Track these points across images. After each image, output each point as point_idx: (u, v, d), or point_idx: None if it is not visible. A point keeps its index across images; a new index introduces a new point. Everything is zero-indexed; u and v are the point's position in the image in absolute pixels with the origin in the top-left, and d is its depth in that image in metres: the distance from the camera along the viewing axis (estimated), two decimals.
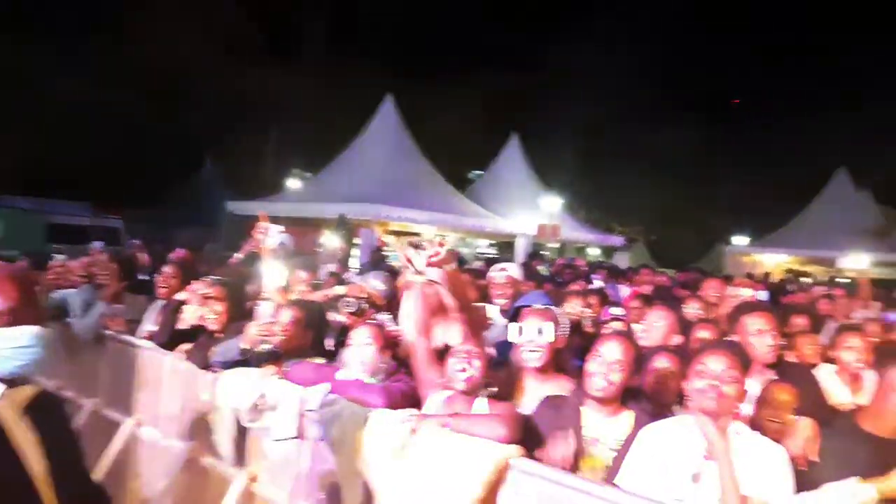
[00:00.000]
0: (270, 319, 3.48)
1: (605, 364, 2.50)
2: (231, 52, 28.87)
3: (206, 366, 3.58)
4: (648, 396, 2.74)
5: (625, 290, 8.35)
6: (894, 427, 2.33)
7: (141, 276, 5.63)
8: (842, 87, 38.15)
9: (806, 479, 2.27)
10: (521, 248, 19.95)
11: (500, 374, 2.93)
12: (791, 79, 39.99)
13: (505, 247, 23.03)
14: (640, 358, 2.68)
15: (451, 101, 31.50)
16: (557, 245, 23.16)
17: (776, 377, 3.00)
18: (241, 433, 3.38)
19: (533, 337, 2.79)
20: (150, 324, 4.58)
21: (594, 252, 26.95)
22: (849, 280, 16.95)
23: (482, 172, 27.38)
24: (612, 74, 34.42)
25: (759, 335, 3.09)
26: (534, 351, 2.78)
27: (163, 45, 25.45)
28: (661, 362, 2.92)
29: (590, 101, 34.30)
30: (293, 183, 23.57)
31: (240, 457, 3.42)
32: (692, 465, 2.21)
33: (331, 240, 10.40)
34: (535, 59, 38.79)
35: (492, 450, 2.38)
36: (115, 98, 24.58)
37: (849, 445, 2.35)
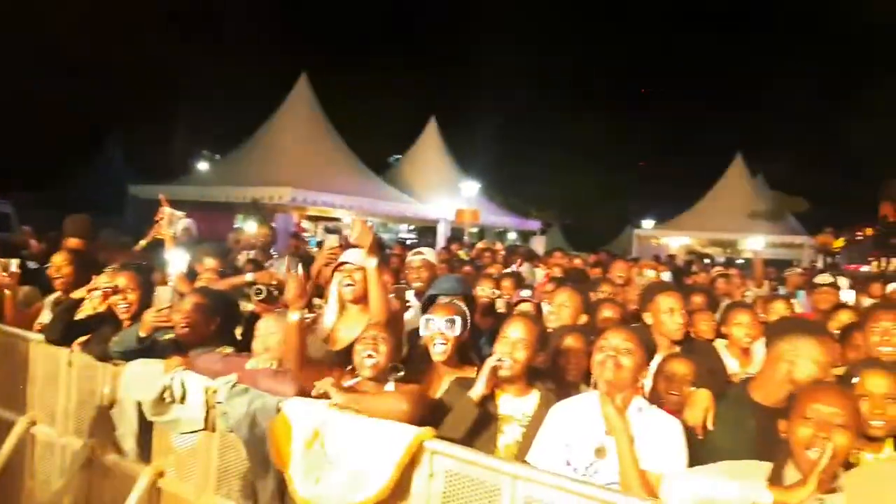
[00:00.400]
0: (167, 305, 3.34)
1: (510, 343, 2.58)
2: (137, 27, 27.20)
3: (105, 358, 3.40)
4: (555, 375, 2.83)
5: (540, 273, 8.60)
6: (778, 398, 2.50)
7: (31, 265, 5.23)
8: (739, 82, 40.69)
9: (703, 446, 2.41)
10: (441, 233, 20.01)
11: (415, 358, 2.94)
12: (695, 71, 42.12)
13: (426, 231, 23.02)
14: (543, 336, 2.76)
15: (368, 82, 31.04)
16: (477, 230, 23.43)
17: (679, 352, 3.18)
18: (146, 427, 3.24)
19: (442, 328, 2.81)
20: (46, 316, 4.28)
21: (513, 236, 27.48)
22: (744, 260, 18.20)
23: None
24: (527, 63, 35.08)
25: (670, 313, 3.37)
26: (441, 343, 2.80)
27: (61, 17, 23.63)
28: (568, 341, 3.03)
29: (506, 89, 34.85)
30: (202, 165, 22.58)
31: (144, 452, 3.28)
32: (595, 439, 2.31)
33: (250, 225, 10.05)
34: (452, 45, 38.93)
35: (404, 432, 2.40)
36: (5, 71, 22.67)
37: (739, 413, 2.51)
